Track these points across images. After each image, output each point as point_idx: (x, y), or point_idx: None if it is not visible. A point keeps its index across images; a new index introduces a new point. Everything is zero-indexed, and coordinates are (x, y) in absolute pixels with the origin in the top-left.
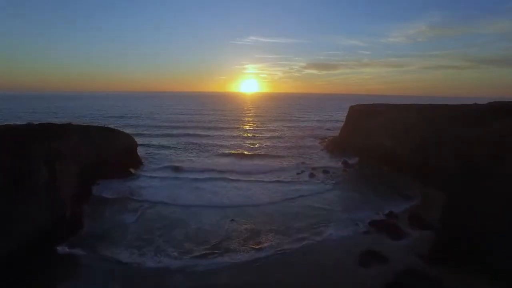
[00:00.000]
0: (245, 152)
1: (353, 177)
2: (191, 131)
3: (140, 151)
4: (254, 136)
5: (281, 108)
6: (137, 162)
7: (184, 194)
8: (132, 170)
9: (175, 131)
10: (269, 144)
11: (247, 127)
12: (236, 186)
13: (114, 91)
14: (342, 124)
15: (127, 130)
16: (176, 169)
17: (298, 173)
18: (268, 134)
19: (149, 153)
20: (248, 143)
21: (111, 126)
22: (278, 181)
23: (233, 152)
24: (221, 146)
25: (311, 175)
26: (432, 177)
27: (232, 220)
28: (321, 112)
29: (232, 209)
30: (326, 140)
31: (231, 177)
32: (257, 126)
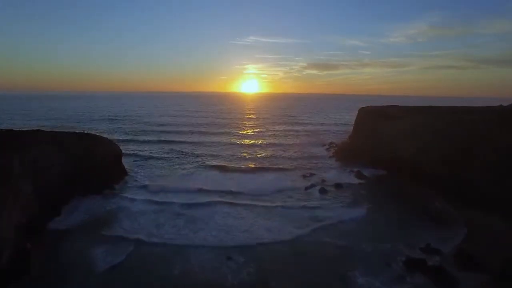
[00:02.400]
0: (245, 165)
1: (371, 193)
2: (185, 138)
3: (126, 161)
4: (254, 143)
5: (282, 109)
6: (122, 174)
7: (169, 226)
8: (115, 185)
9: (167, 137)
10: (271, 153)
11: (247, 132)
12: (235, 212)
13: (114, 91)
14: (348, 127)
15: (115, 136)
16: (163, 189)
17: (307, 188)
18: (270, 140)
19: (136, 162)
20: (248, 152)
21: (98, 131)
22: (286, 206)
23: (231, 165)
24: (218, 156)
25: (322, 191)
26: (475, 196)
27: (229, 257)
28: (324, 113)
29: (232, 250)
30: (334, 146)
31: (228, 200)
32: (257, 131)
